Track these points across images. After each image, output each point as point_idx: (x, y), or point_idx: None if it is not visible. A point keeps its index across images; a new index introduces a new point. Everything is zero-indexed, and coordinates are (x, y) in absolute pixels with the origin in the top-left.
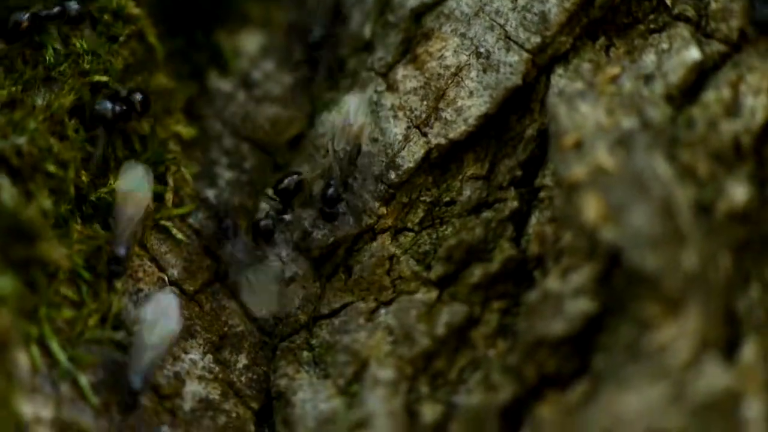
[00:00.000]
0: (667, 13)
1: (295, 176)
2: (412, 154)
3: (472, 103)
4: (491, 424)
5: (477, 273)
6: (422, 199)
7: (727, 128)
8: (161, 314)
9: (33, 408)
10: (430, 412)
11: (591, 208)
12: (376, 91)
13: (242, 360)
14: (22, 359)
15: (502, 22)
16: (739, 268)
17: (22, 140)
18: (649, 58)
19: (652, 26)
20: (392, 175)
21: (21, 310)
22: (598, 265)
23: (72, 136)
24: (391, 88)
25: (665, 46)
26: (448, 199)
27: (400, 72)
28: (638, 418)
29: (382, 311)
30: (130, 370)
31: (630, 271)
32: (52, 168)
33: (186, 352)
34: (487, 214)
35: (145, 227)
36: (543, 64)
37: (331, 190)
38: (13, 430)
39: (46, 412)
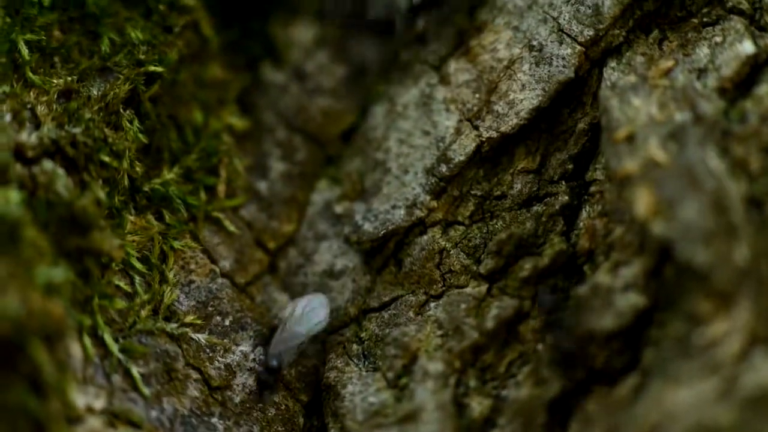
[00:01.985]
0: (721, 6)
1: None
2: (463, 148)
3: (524, 96)
4: (539, 418)
5: (527, 267)
6: (473, 192)
7: None
8: (312, 311)
9: (85, 398)
10: (478, 405)
11: (642, 201)
12: (428, 84)
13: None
14: (75, 349)
15: (555, 14)
16: None
17: (77, 130)
18: (703, 52)
19: (705, 19)
20: (443, 168)
21: (74, 300)
22: (649, 260)
23: (126, 126)
24: (444, 80)
25: (719, 39)
26: (498, 192)
27: (453, 65)
28: (688, 413)
29: (432, 304)
30: (271, 350)
31: (681, 265)
32: (106, 158)
33: (237, 344)
34: (537, 208)
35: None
36: (596, 57)
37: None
38: (66, 419)
39: (99, 403)
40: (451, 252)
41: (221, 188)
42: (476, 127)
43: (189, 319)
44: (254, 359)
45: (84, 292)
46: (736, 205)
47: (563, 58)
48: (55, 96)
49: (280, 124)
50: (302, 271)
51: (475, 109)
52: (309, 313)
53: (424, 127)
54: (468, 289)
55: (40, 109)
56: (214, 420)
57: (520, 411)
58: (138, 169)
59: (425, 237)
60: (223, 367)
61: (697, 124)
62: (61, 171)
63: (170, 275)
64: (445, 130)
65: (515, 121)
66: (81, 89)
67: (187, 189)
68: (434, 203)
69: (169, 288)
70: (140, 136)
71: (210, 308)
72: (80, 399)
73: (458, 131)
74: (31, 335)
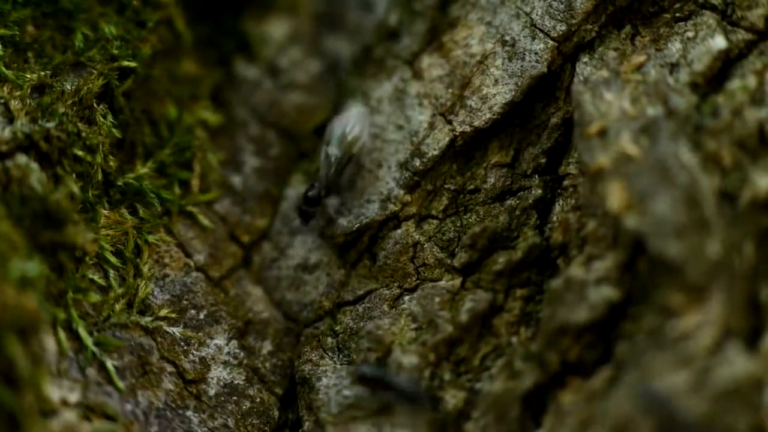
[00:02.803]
0: (693, 2)
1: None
2: (437, 142)
3: (497, 91)
4: (513, 411)
5: (501, 260)
6: (447, 186)
7: (752, 116)
8: (346, 126)
9: (60, 391)
10: (452, 398)
11: (615, 195)
12: (401, 79)
13: (267, 346)
14: (49, 343)
15: (528, 10)
16: (762, 257)
17: (50, 125)
18: (675, 47)
19: (677, 14)
20: (417, 163)
21: (48, 293)
22: (622, 253)
23: (100, 121)
24: (417, 75)
25: (691, 34)
26: (472, 186)
27: (426, 60)
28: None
29: (406, 298)
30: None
31: (654, 258)
32: (80, 152)
33: (211, 338)
34: (511, 201)
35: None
36: (568, 52)
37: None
38: (40, 413)
39: (73, 396)
40: (425, 246)
41: (195, 183)
42: (449, 122)
43: (163, 312)
44: (228, 352)
45: (58, 285)
46: (708, 199)
47: (536, 53)
48: (29, 91)
49: (254, 120)
50: (276, 264)
51: (449, 103)
52: (342, 130)
53: (397, 122)
54: (442, 283)
55: (14, 104)
56: (189, 413)
57: (494, 404)
58: (112, 163)
59: (399, 231)
60: (197, 360)
61: (669, 118)
62: (34, 165)
63: (144, 269)
64: (418, 125)
65: (488, 115)
66: (54, 84)
67: (161, 183)
68: (408, 197)
69: (143, 282)
70: (114, 130)
71: (184, 302)
72: (55, 392)
73: (432, 126)
74: (4, 329)
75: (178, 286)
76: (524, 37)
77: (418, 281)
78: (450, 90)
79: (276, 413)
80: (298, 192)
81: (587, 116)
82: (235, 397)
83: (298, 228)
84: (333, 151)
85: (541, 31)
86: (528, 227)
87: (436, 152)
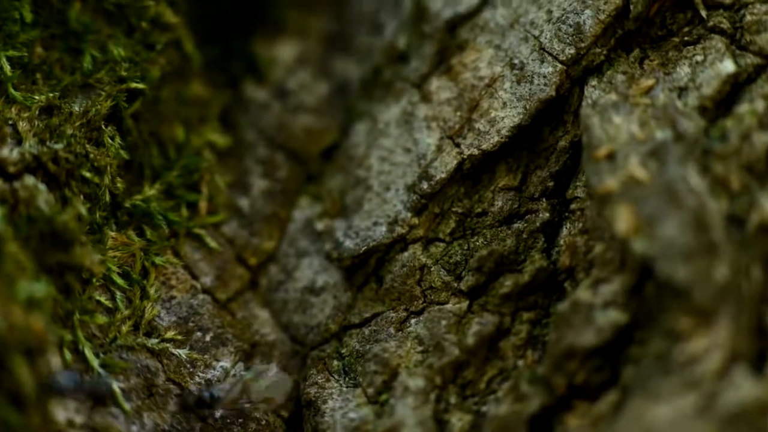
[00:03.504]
0: (702, 26)
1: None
2: (444, 165)
3: (505, 114)
4: None
5: (507, 284)
6: (454, 209)
7: (760, 140)
8: None
9: (66, 413)
10: (458, 421)
11: (623, 219)
12: (410, 102)
13: (273, 368)
14: (56, 364)
15: (536, 33)
16: None
17: (58, 146)
18: (683, 71)
19: (686, 38)
20: (425, 185)
21: (55, 315)
22: (629, 277)
23: (108, 142)
24: (425, 98)
25: (699, 58)
26: (479, 209)
27: (434, 83)
28: (667, 429)
29: (413, 321)
30: None
31: (661, 282)
32: (87, 174)
33: (217, 360)
34: (518, 225)
35: None
36: (577, 75)
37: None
38: None
39: (79, 418)
40: (432, 269)
41: (203, 205)
42: (457, 145)
43: (170, 334)
44: (234, 374)
45: (65, 307)
46: (716, 222)
47: (544, 77)
48: (37, 112)
49: (262, 142)
50: (283, 287)
51: (457, 126)
52: None
53: (405, 145)
54: (449, 306)
55: (22, 125)
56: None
57: (501, 427)
58: (119, 185)
59: (406, 254)
60: (203, 382)
61: (677, 142)
62: (42, 186)
63: (151, 291)
64: (426, 148)
65: (496, 138)
66: (63, 105)
67: (169, 205)
68: (415, 220)
69: (150, 303)
70: (122, 152)
71: (191, 324)
72: (60, 413)
73: (439, 149)
74: (12, 349)
75: (184, 308)
76: (533, 60)
77: (424, 304)
78: (458, 113)
79: None
80: (305, 215)
81: (595, 140)
82: (241, 420)
83: (305, 250)
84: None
85: (550, 54)
86: (535, 250)
87: (443, 175)
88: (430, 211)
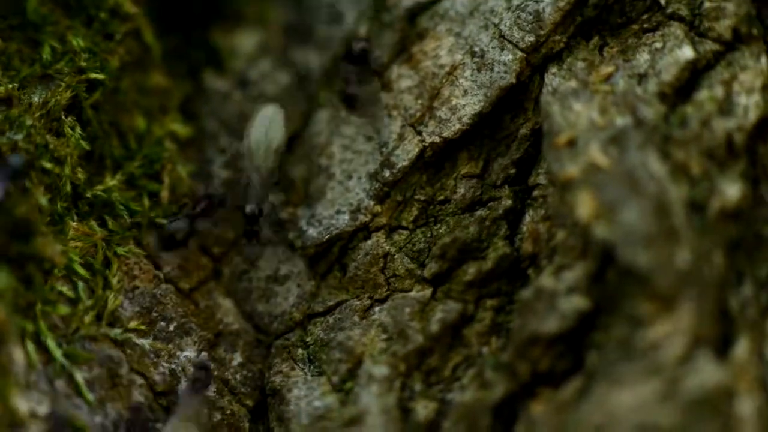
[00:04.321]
0: (661, 13)
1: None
2: (406, 153)
3: (466, 101)
4: (484, 421)
5: (471, 271)
6: (416, 197)
7: (720, 126)
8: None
9: (28, 404)
10: (423, 409)
11: (584, 205)
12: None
13: (237, 358)
14: (18, 355)
15: (496, 21)
16: (731, 266)
17: (18, 137)
18: (643, 57)
19: (645, 25)
20: (387, 174)
21: (17, 306)
22: (591, 263)
23: (68, 133)
24: (386, 86)
25: (659, 45)
26: (442, 197)
27: (395, 71)
28: (631, 415)
29: (377, 309)
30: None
31: (623, 268)
32: (48, 165)
33: (181, 350)
34: (481, 212)
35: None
36: (537, 63)
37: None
38: (8, 425)
39: (42, 408)
40: (396, 256)
41: (164, 194)
42: (419, 133)
43: (133, 324)
44: None
45: (26, 297)
46: (677, 208)
47: (505, 64)
48: None
49: (224, 131)
50: (246, 276)
51: (418, 114)
52: (262, 137)
53: (367, 133)
54: (412, 293)
55: None
56: (159, 425)
57: (465, 414)
58: (80, 175)
59: (369, 242)
60: (167, 372)
61: (638, 128)
62: None
63: (114, 281)
64: (388, 136)
65: (458, 126)
66: (22, 96)
67: (130, 195)
68: (378, 208)
69: (112, 294)
70: (82, 142)
71: (154, 314)
72: (23, 404)
73: (401, 137)
74: None
75: (147, 298)
76: (493, 48)
77: (388, 292)
78: (419, 101)
79: (247, 425)
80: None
81: (556, 126)
82: (205, 409)
83: (268, 239)
84: (260, 162)
85: (510, 42)
86: (498, 237)
87: (405, 163)
88: (392, 199)
